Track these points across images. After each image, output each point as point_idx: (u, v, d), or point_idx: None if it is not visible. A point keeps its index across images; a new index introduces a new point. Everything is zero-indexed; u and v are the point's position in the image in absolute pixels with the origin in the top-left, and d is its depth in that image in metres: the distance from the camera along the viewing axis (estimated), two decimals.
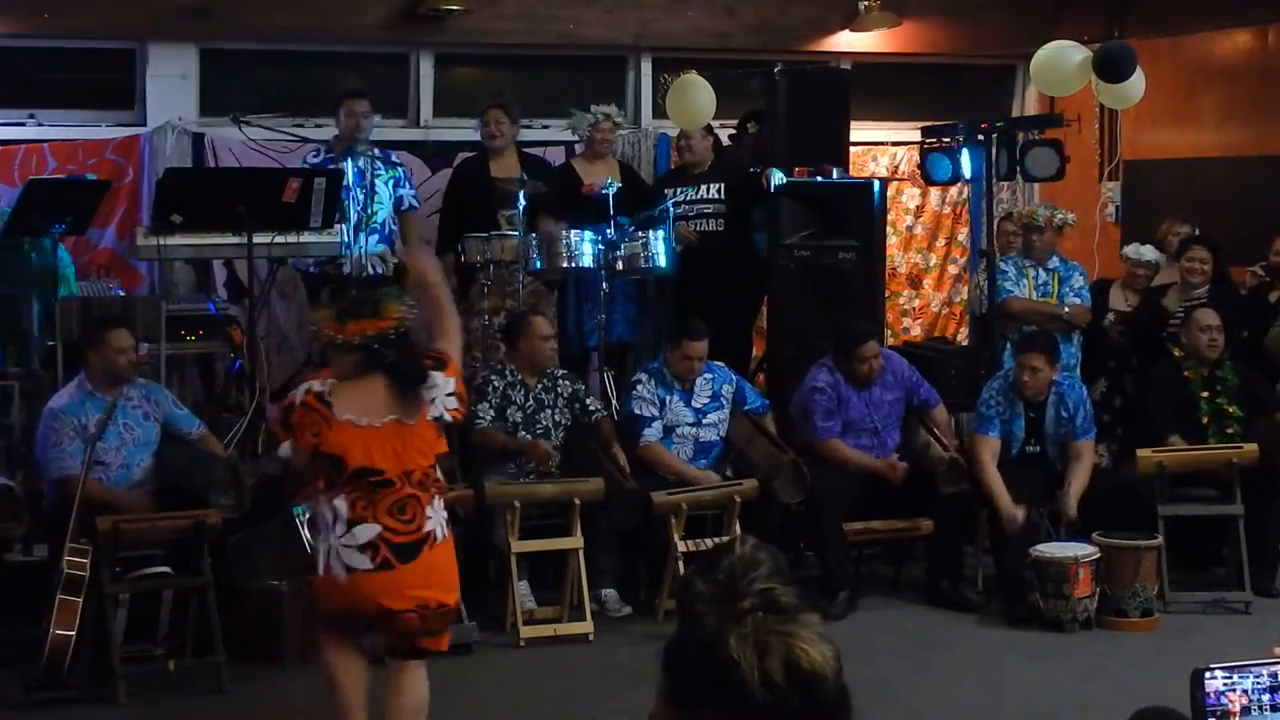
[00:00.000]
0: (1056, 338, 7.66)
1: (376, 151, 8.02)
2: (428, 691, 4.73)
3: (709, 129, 8.62)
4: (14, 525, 6.36)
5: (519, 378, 7.15)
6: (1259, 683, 2.37)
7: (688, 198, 8.48)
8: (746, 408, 7.44)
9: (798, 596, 1.85)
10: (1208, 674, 2.38)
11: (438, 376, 4.63)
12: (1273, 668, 2.39)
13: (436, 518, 4.60)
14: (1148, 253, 8.43)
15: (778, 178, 8.20)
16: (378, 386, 4.57)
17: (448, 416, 4.68)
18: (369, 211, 7.88)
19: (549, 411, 7.17)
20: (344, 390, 4.59)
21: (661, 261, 7.86)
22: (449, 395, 4.66)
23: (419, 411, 4.59)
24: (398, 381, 4.57)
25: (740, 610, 1.81)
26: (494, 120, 8.29)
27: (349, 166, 7.77)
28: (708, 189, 8.48)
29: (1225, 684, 2.36)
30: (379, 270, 7.91)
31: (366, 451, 4.53)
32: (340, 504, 4.54)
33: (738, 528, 6.76)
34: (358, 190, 7.87)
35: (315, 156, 8.00)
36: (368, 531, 4.50)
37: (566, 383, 7.28)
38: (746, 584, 1.84)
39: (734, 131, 9.15)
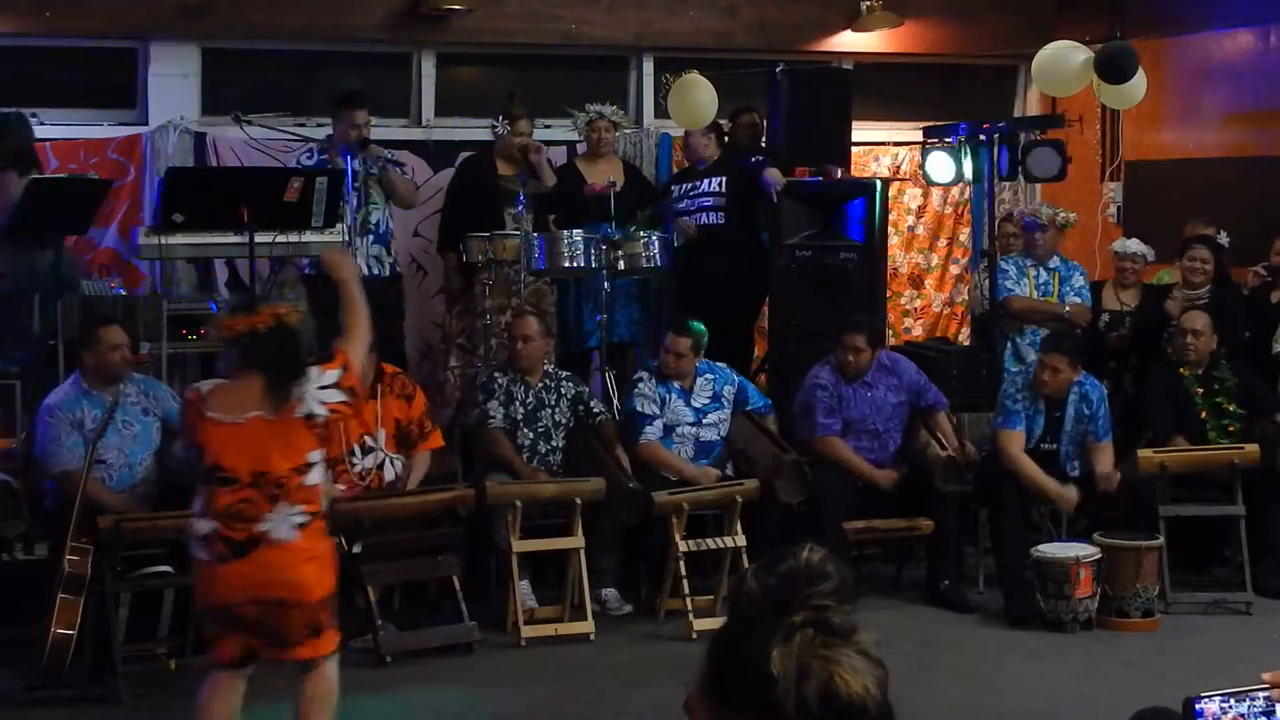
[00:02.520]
0: (1083, 343, 7.65)
1: (378, 151, 7.92)
2: (334, 687, 4.75)
3: (715, 125, 8.63)
4: (15, 523, 6.36)
5: (520, 375, 7.17)
6: (1254, 706, 2.37)
7: (690, 192, 8.49)
8: (749, 408, 7.44)
9: (852, 617, 1.78)
10: (1200, 700, 2.37)
11: (313, 371, 4.59)
12: (1267, 693, 2.38)
13: (280, 520, 4.52)
14: (1133, 245, 8.43)
15: (779, 182, 8.19)
16: (254, 383, 4.57)
17: (322, 412, 4.60)
18: (363, 212, 7.85)
19: (549, 410, 7.18)
20: (222, 388, 4.66)
21: (661, 261, 7.88)
22: (327, 389, 4.60)
23: (286, 408, 4.55)
24: (269, 377, 4.56)
25: (790, 624, 1.74)
26: (526, 130, 8.29)
27: (346, 165, 7.76)
28: (709, 183, 8.48)
29: (1222, 707, 2.36)
30: (376, 271, 7.90)
31: (221, 449, 4.54)
32: (197, 497, 4.63)
33: (739, 527, 6.77)
34: (351, 195, 7.84)
35: (309, 158, 7.96)
36: (204, 526, 4.55)
37: (570, 384, 7.28)
38: (803, 596, 1.76)
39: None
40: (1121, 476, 7.19)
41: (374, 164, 7.86)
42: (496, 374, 7.24)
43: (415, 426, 6.81)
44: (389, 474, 6.71)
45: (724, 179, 8.45)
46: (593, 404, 7.31)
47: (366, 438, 6.69)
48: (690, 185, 8.53)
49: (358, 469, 6.64)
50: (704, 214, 8.46)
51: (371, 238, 7.90)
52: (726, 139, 8.81)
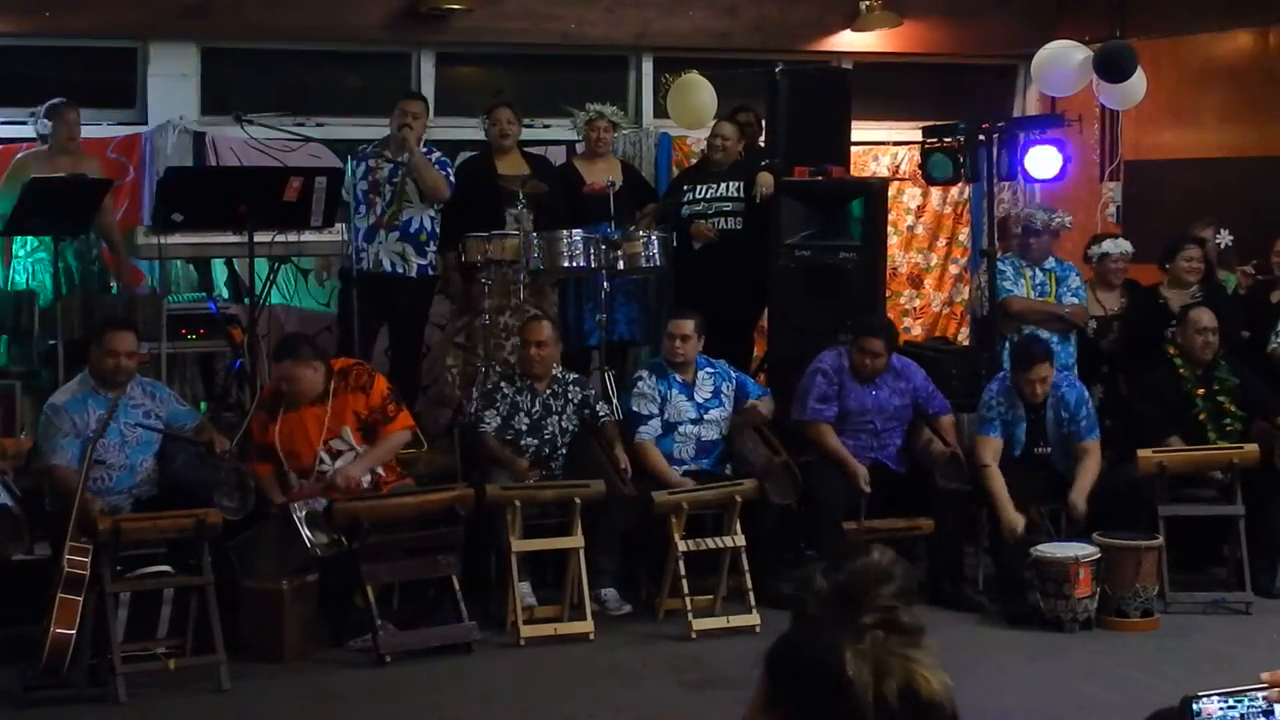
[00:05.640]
0: (1047, 342, 7.65)
1: (422, 148, 7.90)
2: None
3: (739, 124, 8.61)
4: (15, 545, 6.30)
5: (528, 383, 7.16)
6: (1253, 705, 2.36)
7: (707, 195, 8.47)
8: (750, 400, 7.45)
9: (918, 620, 1.75)
10: (1198, 700, 2.36)
11: None
12: (1264, 692, 2.37)
13: None
14: (1123, 244, 8.46)
15: (769, 182, 8.18)
16: None
17: None
18: (393, 208, 7.86)
19: (556, 418, 7.16)
20: None
21: (660, 261, 7.88)
22: None
23: None
24: None
25: (861, 625, 1.69)
26: (504, 119, 8.28)
27: (346, 164, 7.78)
28: (727, 186, 8.46)
29: (1221, 708, 2.35)
30: (400, 269, 7.90)
31: None
32: None
33: (738, 527, 6.77)
34: (386, 187, 7.85)
35: (365, 149, 7.99)
36: None
37: (576, 389, 7.27)
38: (872, 597, 1.72)
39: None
40: (1122, 478, 7.20)
41: (404, 158, 7.83)
42: (503, 384, 7.22)
43: (378, 414, 6.74)
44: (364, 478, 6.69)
45: (742, 183, 8.43)
46: (598, 407, 7.30)
47: (331, 443, 6.66)
48: (706, 187, 8.49)
49: (330, 475, 6.61)
50: (722, 218, 8.44)
51: (397, 234, 7.89)
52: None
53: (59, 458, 6.28)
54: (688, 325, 7.28)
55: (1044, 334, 8.05)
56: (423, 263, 7.99)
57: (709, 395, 7.35)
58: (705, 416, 7.32)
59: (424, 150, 7.91)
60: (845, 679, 1.66)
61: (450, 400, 8.13)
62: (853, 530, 7.07)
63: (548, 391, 7.18)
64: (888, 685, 1.66)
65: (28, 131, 8.39)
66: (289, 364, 6.60)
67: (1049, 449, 7.29)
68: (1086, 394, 7.42)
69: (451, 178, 8.00)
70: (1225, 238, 8.63)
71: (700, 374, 7.35)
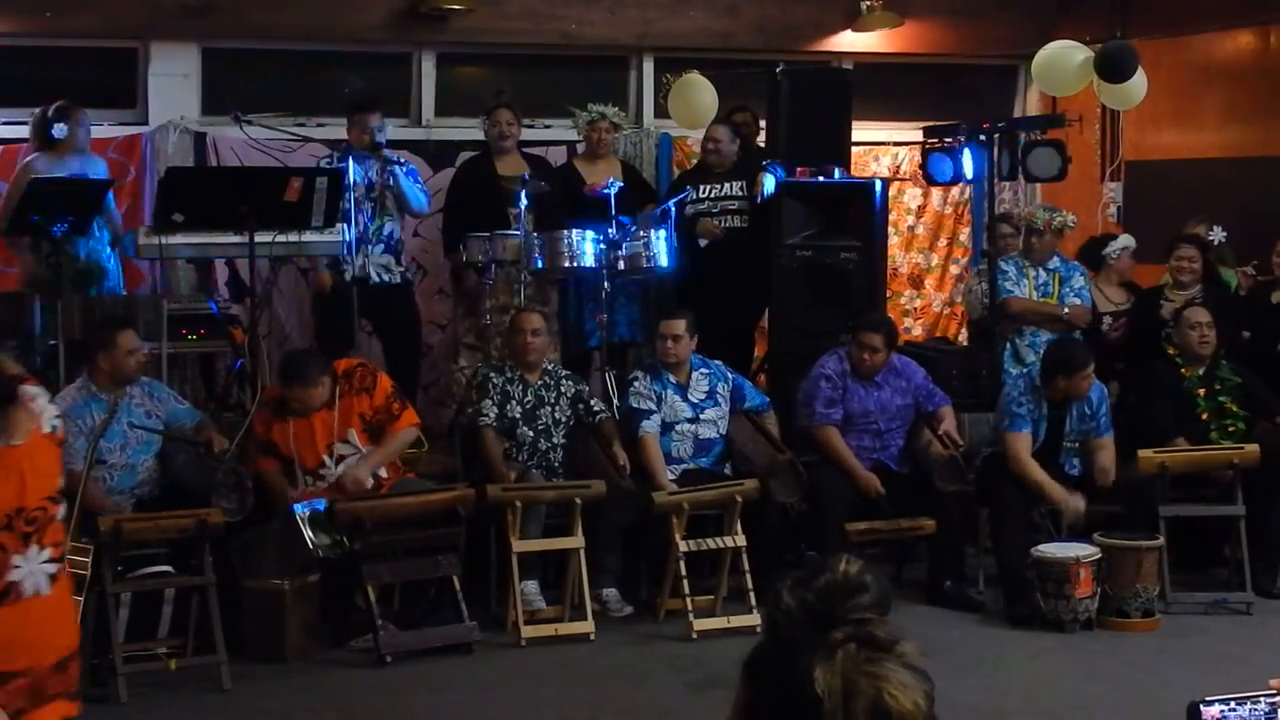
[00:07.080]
0: (1085, 343, 7.63)
1: (388, 154, 7.87)
2: None
3: (735, 126, 8.61)
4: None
5: (518, 373, 7.17)
6: (1256, 710, 2.36)
7: (711, 195, 8.47)
8: (747, 405, 7.44)
9: (893, 629, 1.71)
10: (1204, 705, 2.37)
11: (29, 388, 3.88)
12: (1271, 698, 2.37)
13: (29, 568, 3.78)
14: (1126, 240, 8.46)
15: (769, 184, 8.18)
16: None
17: (60, 426, 3.98)
18: (377, 222, 7.86)
19: (549, 408, 7.18)
20: None
21: (663, 261, 7.88)
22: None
23: (27, 427, 3.82)
24: None
25: (831, 641, 1.68)
26: (504, 120, 8.28)
27: (357, 172, 7.75)
28: (731, 186, 8.47)
29: (1224, 711, 2.35)
30: (386, 279, 7.91)
31: None
32: None
33: (739, 527, 6.77)
34: (366, 202, 7.84)
35: (329, 161, 7.97)
36: None
37: (570, 383, 7.29)
38: (843, 611, 1.70)
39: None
40: (1121, 476, 7.19)
41: (388, 175, 7.84)
42: (492, 374, 7.23)
43: (383, 414, 6.74)
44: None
45: (745, 182, 8.43)
46: (593, 403, 7.31)
47: (336, 446, 6.67)
48: (711, 187, 8.49)
49: (333, 477, 6.62)
50: (727, 217, 8.45)
51: (382, 247, 7.92)
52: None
53: (69, 461, 6.26)
54: (679, 325, 7.28)
55: (1044, 334, 8.05)
56: (403, 269, 8.06)
57: (703, 395, 7.35)
58: (701, 416, 7.32)
59: (396, 160, 7.93)
60: (814, 698, 1.65)
61: (459, 400, 8.12)
62: (857, 531, 7.08)
63: (539, 383, 7.19)
64: (856, 705, 1.65)
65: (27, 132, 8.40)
66: (300, 389, 6.59)
67: (1062, 443, 7.28)
68: (1105, 391, 7.41)
69: (424, 187, 8.03)
70: (1218, 234, 8.63)
71: (694, 374, 7.35)
